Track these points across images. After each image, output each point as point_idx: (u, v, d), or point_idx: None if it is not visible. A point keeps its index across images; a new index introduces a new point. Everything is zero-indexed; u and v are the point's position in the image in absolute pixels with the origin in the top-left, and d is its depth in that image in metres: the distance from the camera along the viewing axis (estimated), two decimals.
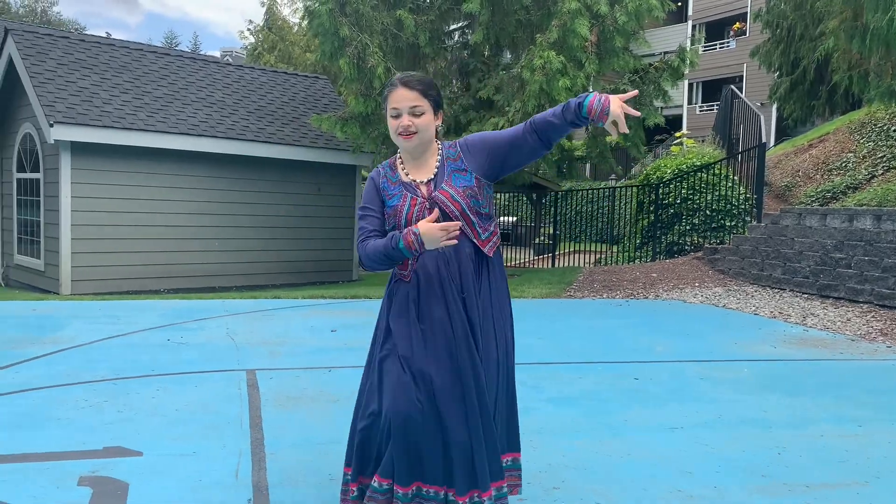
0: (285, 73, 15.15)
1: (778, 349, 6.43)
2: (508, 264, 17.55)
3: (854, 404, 4.66)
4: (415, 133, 2.47)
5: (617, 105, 2.34)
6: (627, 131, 2.36)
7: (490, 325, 2.52)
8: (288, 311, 7.96)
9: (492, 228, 2.57)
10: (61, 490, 2.95)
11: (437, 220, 2.39)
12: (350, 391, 4.15)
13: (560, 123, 2.43)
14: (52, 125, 10.05)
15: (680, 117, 31.75)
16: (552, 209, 21.36)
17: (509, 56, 12.45)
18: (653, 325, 7.60)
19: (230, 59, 27.18)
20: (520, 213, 26.37)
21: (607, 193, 19.60)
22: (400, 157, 2.62)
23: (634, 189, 14.75)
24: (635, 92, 2.48)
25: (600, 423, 4.13)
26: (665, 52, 11.98)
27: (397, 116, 2.47)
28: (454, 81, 12.58)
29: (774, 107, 25.05)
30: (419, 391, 2.40)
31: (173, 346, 5.81)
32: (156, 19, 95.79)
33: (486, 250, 2.53)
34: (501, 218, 25.55)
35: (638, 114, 2.40)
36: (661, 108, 32.49)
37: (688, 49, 11.40)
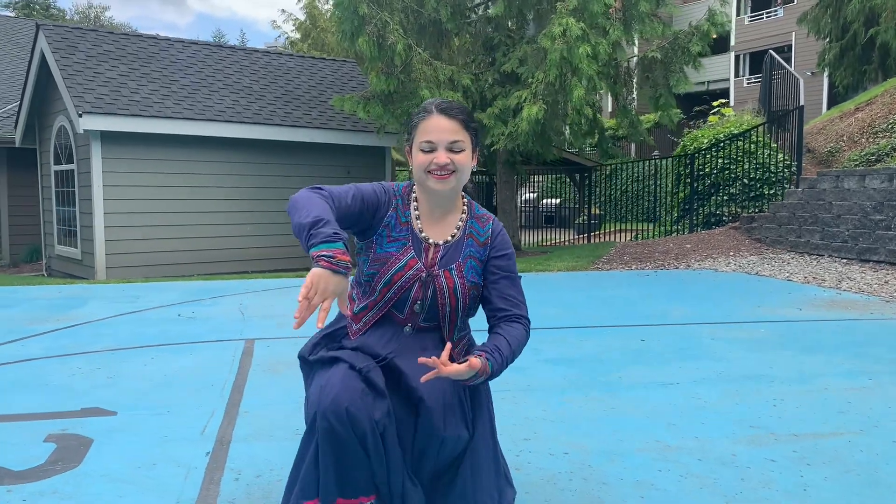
0: (312, 58, 15.17)
1: (804, 311, 6.15)
2: (546, 243, 17.34)
3: (871, 360, 4.41)
4: (453, 172, 1.98)
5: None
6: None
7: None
8: None
9: (468, 328, 2.18)
10: (27, 446, 2.97)
11: (424, 299, 1.98)
12: None
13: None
14: (80, 115, 10.25)
15: (727, 90, 30.89)
16: (590, 189, 21.02)
17: (534, 28, 12.20)
18: (676, 293, 7.37)
19: None
20: (564, 195, 26.12)
21: (651, 171, 19.18)
22: (415, 196, 2.08)
23: (671, 161, 14.38)
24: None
25: (593, 380, 3.99)
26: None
27: (431, 151, 1.97)
28: (479, 57, 12.39)
29: (826, 75, 24.14)
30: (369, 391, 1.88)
31: (182, 321, 5.85)
32: (205, 19, 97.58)
33: (455, 352, 2.04)
34: (545, 200, 25.35)
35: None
36: (708, 81, 31.70)
37: (717, 11, 10.99)
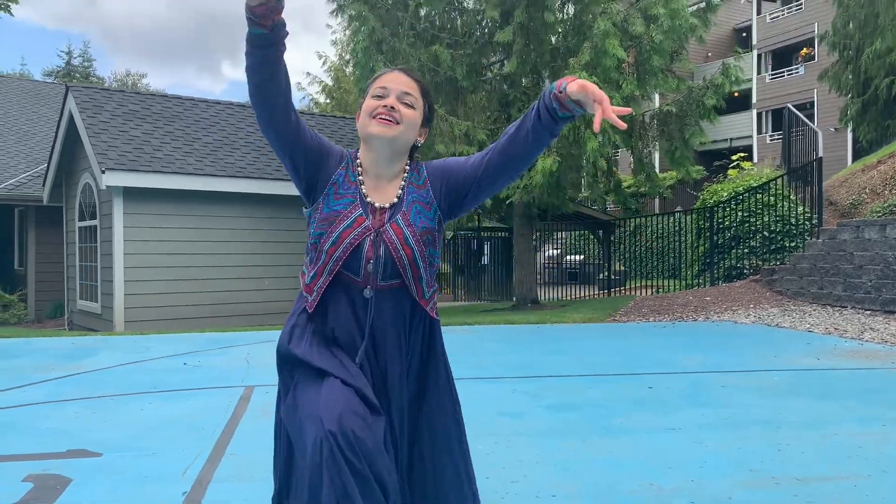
0: (333, 116, 15.47)
1: (822, 361, 5.97)
2: (568, 298, 17.21)
3: (887, 407, 4.23)
4: (397, 123, 1.90)
5: (578, 85, 1.81)
6: (617, 122, 1.76)
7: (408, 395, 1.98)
8: None
9: (434, 283, 2.04)
10: (3, 485, 2.92)
11: (377, 257, 1.92)
12: None
13: (530, 123, 1.89)
14: (104, 172, 10.48)
15: (750, 147, 30.84)
16: (614, 245, 20.95)
17: (549, 84, 12.36)
18: (691, 343, 7.21)
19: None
20: (587, 252, 26.04)
21: (675, 227, 19.10)
22: (360, 163, 1.99)
23: (692, 215, 14.30)
24: (628, 110, 1.88)
25: (594, 426, 3.87)
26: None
27: (382, 97, 1.92)
28: (495, 113, 12.53)
29: (849, 130, 24.07)
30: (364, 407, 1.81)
31: (186, 369, 5.82)
32: (238, 86, 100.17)
33: (428, 310, 1.99)
34: (568, 257, 25.36)
35: (628, 110, 1.86)
36: (731, 139, 31.70)
37: (731, 66, 11.04)
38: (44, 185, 13.37)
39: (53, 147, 12.78)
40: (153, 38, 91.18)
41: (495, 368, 5.77)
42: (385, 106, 1.89)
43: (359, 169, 1.97)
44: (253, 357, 6.47)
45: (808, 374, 5.37)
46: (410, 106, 1.93)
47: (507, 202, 11.31)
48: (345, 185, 1.95)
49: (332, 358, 1.89)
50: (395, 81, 1.94)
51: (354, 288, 1.92)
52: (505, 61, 12.66)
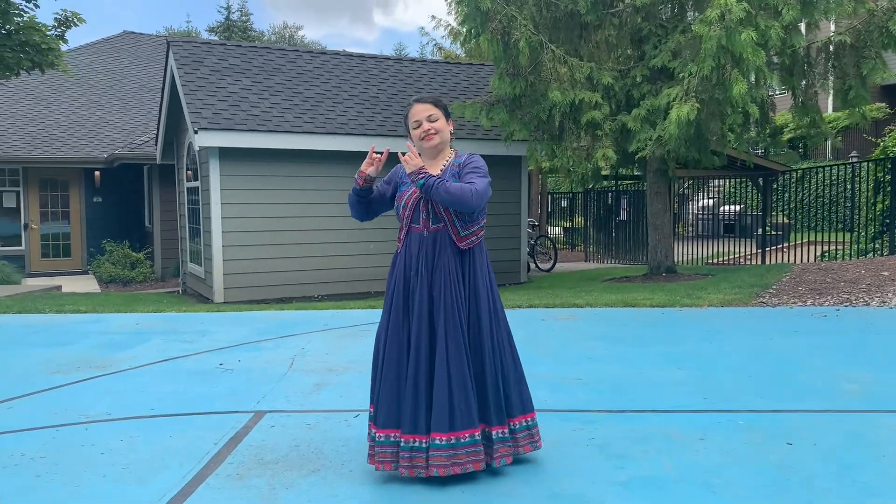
0: (447, 63, 14.21)
1: None
2: (715, 260, 15.30)
3: None
4: (434, 134, 3.12)
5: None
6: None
7: (448, 298, 3.04)
8: None
9: (473, 229, 3.13)
10: None
11: (428, 209, 3.12)
12: (351, 454, 3.37)
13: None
14: (196, 132, 9.93)
15: None
16: (776, 195, 18.62)
17: (692, 16, 10.45)
18: (858, 349, 5.53)
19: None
20: (748, 201, 23.59)
21: (849, 175, 16.49)
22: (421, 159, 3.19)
23: (870, 165, 11.98)
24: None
25: None
26: None
27: (418, 126, 3.13)
28: (626, 51, 10.83)
29: None
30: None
31: (216, 375, 4.98)
32: (390, 34, 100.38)
33: (461, 245, 3.10)
34: (724, 207, 23.07)
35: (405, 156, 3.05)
36: None
37: None
38: (156, 144, 13.18)
39: (161, 105, 12.48)
40: None
41: (569, 391, 4.49)
42: (424, 130, 3.14)
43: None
44: (303, 354, 5.55)
45: None
46: (435, 119, 3.14)
47: (637, 157, 9.70)
48: (405, 178, 3.22)
49: (391, 299, 3.15)
50: (418, 112, 3.17)
51: (417, 233, 3.14)
52: None
